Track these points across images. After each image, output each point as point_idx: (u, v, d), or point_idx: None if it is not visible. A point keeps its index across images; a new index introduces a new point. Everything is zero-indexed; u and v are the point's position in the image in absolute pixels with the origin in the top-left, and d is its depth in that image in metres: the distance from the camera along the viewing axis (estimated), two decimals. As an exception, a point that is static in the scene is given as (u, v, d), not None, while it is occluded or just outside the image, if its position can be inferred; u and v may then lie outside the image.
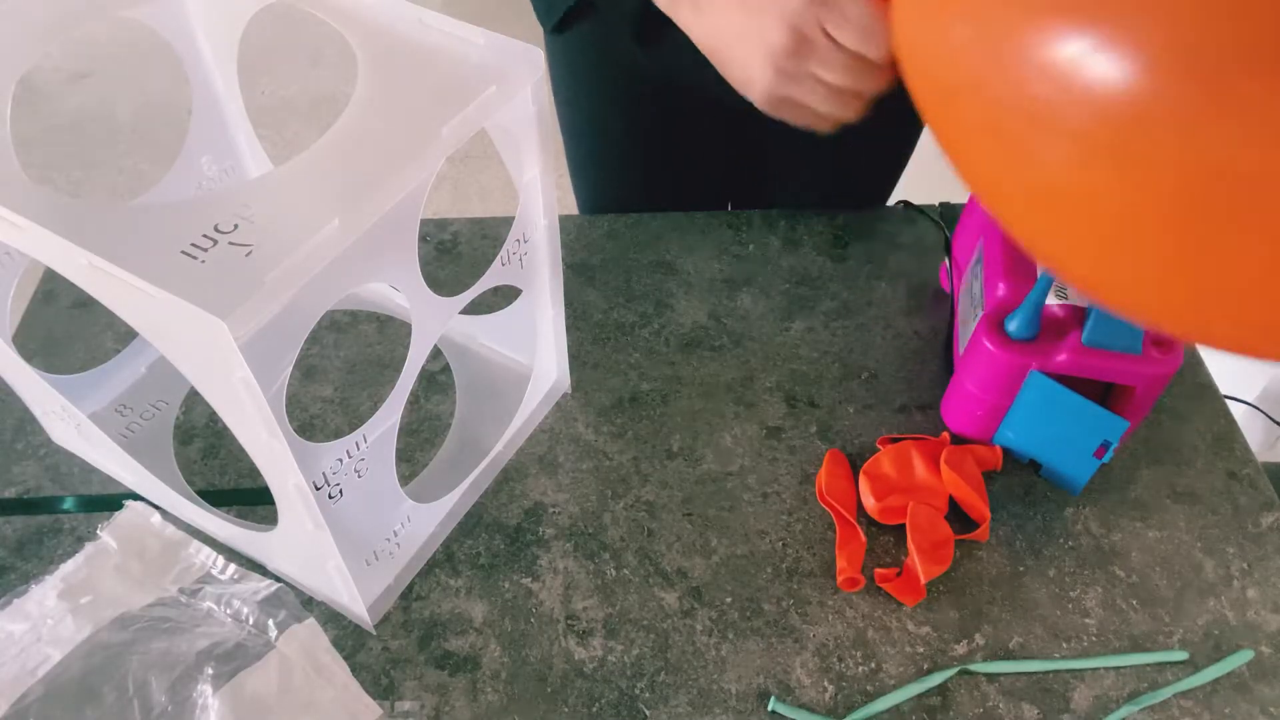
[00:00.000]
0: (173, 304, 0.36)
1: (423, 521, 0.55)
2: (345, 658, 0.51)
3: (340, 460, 0.45)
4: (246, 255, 0.37)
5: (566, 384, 0.65)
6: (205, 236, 0.38)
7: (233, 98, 0.62)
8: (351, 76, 0.45)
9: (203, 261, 0.37)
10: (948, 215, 0.76)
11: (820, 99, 0.48)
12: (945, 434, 0.61)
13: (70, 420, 0.57)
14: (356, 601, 0.51)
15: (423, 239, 0.75)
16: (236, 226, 0.38)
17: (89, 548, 0.53)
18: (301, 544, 0.49)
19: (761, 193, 0.86)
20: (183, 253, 0.37)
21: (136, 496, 0.57)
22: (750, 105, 0.50)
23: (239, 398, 0.39)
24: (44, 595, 0.51)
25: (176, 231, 0.38)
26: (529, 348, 0.61)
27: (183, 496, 0.56)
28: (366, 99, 0.44)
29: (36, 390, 0.56)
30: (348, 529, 0.48)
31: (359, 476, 0.47)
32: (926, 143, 0.87)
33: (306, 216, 0.38)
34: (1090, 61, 0.31)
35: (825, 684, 0.51)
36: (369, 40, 0.47)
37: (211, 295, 0.35)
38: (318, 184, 0.40)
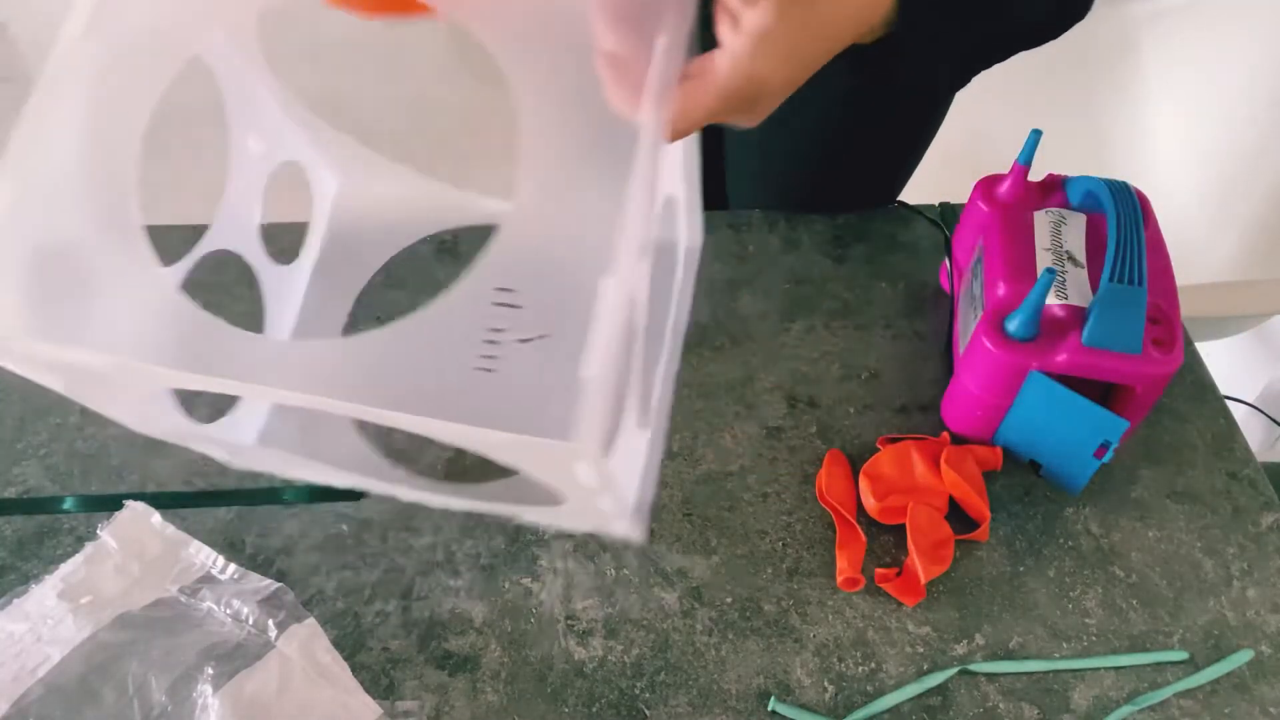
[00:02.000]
0: (513, 444, 0.32)
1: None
2: (345, 658, 0.51)
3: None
4: (541, 347, 0.34)
5: None
6: (488, 340, 0.34)
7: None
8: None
9: (500, 371, 0.33)
10: (947, 215, 0.76)
11: None
12: (945, 434, 0.61)
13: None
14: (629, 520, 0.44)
15: (422, 239, 0.75)
16: (504, 315, 0.34)
17: (89, 548, 0.53)
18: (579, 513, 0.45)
19: (758, 192, 0.86)
20: (476, 369, 0.34)
21: (136, 496, 0.57)
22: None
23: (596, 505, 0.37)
24: (44, 595, 0.51)
25: (451, 343, 0.34)
26: None
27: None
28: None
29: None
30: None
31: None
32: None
33: (575, 274, 0.34)
34: None
35: (825, 684, 0.51)
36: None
37: (545, 421, 0.32)
38: (565, 223, 0.36)
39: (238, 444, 0.54)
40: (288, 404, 0.37)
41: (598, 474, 0.34)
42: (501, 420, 0.33)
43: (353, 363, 0.37)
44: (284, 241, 0.60)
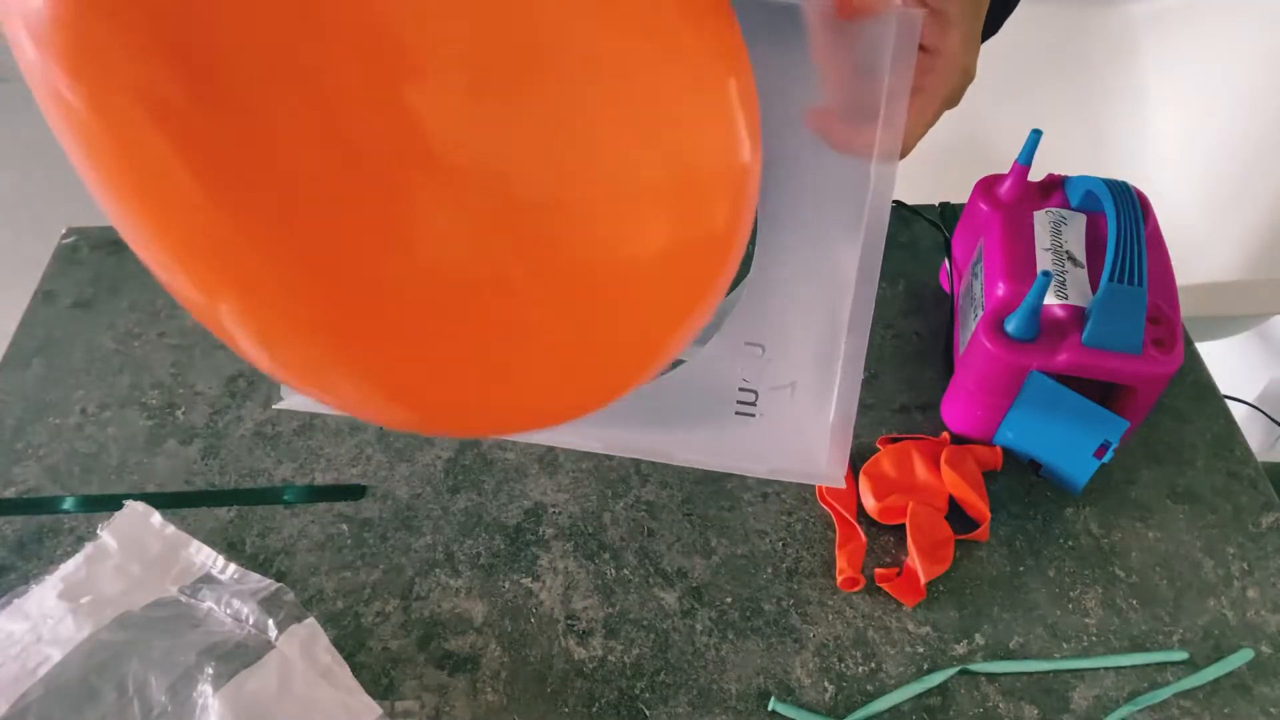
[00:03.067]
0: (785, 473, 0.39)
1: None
2: (345, 658, 0.51)
3: None
4: (791, 394, 0.39)
5: None
6: (742, 389, 0.40)
7: None
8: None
9: (760, 415, 0.40)
10: (947, 215, 0.76)
11: None
12: (945, 434, 0.61)
13: None
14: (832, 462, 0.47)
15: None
16: (753, 366, 0.40)
17: (89, 548, 0.53)
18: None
19: None
20: (737, 414, 0.40)
21: (136, 496, 0.57)
22: None
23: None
24: (44, 595, 0.51)
25: (714, 391, 0.40)
26: None
27: None
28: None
29: None
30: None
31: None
32: (922, 144, 0.87)
33: (806, 327, 0.40)
34: None
35: (825, 684, 0.51)
36: None
37: (799, 454, 0.39)
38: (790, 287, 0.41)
39: None
40: (568, 446, 0.46)
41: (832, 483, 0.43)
42: (762, 457, 0.40)
43: (626, 410, 0.41)
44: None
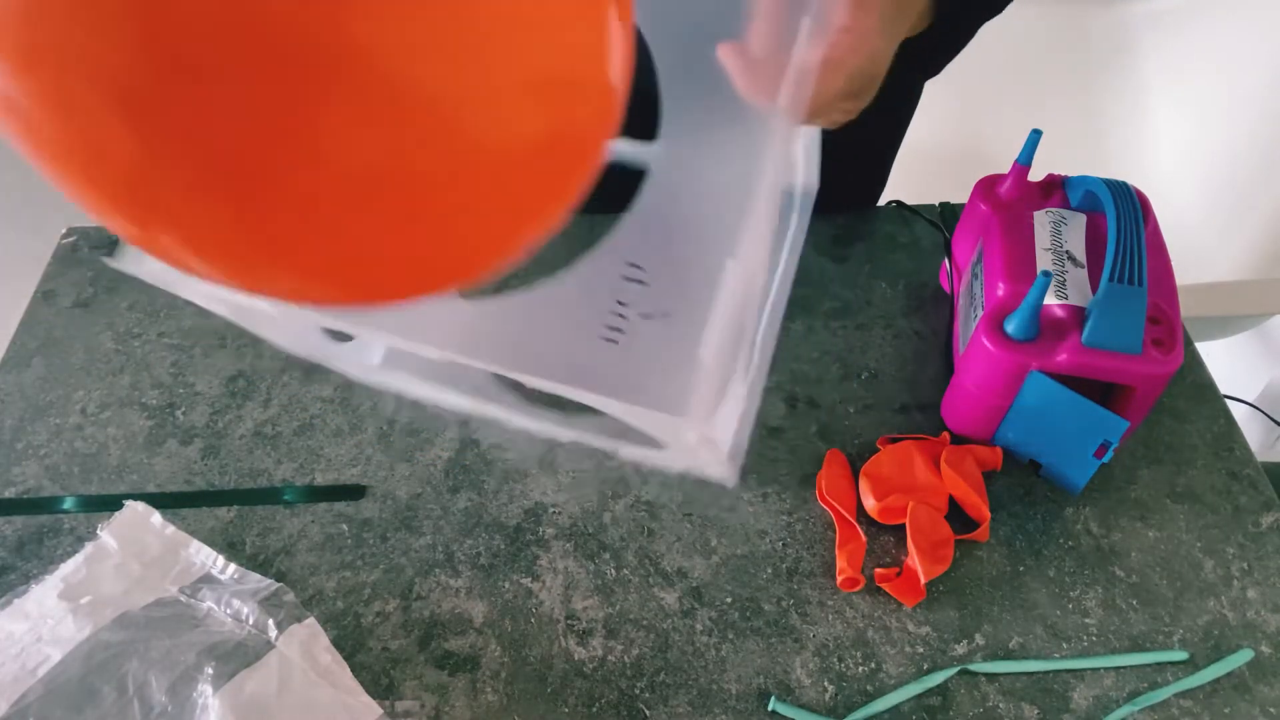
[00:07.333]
0: (637, 415, 0.35)
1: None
2: (345, 658, 0.51)
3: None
4: (664, 324, 0.37)
5: None
6: (614, 313, 0.37)
7: None
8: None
9: (625, 344, 0.37)
10: (947, 215, 0.76)
11: None
12: (945, 434, 0.61)
13: None
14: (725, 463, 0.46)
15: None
16: (630, 290, 0.38)
17: (89, 548, 0.53)
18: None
19: None
20: (603, 338, 0.37)
21: (136, 496, 0.57)
22: None
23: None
24: (44, 595, 0.51)
25: (581, 312, 0.37)
26: None
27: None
28: None
29: None
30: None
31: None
32: (922, 144, 0.88)
33: (702, 255, 0.37)
34: None
35: (825, 684, 0.51)
36: None
37: (660, 392, 0.35)
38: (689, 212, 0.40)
39: (367, 364, 0.56)
40: (433, 357, 0.39)
41: (702, 439, 0.37)
42: (621, 387, 0.36)
43: (492, 322, 0.40)
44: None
